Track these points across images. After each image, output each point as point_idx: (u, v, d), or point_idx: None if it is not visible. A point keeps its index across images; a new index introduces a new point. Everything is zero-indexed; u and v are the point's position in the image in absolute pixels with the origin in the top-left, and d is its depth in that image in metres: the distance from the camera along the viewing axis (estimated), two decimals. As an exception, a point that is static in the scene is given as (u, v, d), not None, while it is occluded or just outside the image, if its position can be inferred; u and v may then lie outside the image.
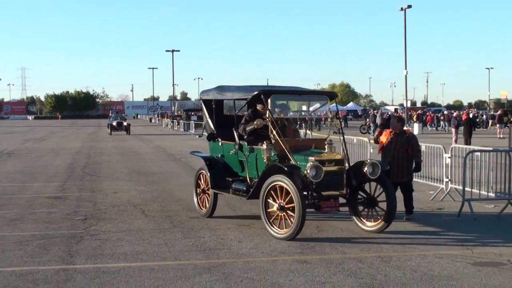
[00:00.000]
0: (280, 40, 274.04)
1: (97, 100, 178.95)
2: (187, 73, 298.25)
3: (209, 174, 11.74)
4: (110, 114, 71.03)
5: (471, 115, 51.92)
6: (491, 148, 14.43)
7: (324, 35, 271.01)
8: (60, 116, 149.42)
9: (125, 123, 54.52)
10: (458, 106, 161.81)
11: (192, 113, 76.55)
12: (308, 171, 9.77)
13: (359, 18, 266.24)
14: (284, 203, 9.80)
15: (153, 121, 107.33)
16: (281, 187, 9.82)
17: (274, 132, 10.48)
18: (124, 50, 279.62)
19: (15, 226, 11.28)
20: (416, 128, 50.33)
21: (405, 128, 12.55)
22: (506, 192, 12.42)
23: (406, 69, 54.99)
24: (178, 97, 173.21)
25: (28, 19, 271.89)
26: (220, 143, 12.12)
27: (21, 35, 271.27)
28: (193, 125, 59.64)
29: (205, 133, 13.48)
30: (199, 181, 12.42)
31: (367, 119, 58.54)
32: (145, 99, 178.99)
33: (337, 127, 11.50)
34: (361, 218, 10.76)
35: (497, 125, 48.53)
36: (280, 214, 9.92)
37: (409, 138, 11.77)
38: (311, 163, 9.87)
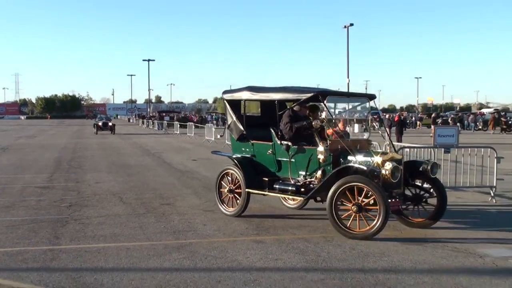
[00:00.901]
0: (243, 49, 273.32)
1: (82, 102, 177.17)
2: (161, 79, 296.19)
3: (242, 174, 10.34)
4: (95, 117, 69.79)
5: (402, 117, 52.41)
6: (419, 145, 14.64)
7: (279, 47, 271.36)
8: (49, 116, 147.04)
9: (110, 123, 51.54)
10: (392, 109, 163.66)
11: (165, 114, 76.09)
12: (388, 171, 8.79)
13: (312, 33, 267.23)
14: (363, 204, 8.69)
15: (131, 121, 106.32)
16: (360, 188, 8.68)
17: (328, 133, 9.70)
18: (107, 58, 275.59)
19: (7, 212, 11.06)
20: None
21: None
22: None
23: (348, 77, 55.69)
24: (153, 100, 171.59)
25: (23, 28, 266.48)
26: (250, 143, 10.63)
27: (15, 43, 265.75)
28: (166, 124, 59.44)
29: (227, 133, 12.99)
30: (222, 181, 10.98)
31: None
32: (124, 102, 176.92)
33: (375, 128, 10.55)
34: (405, 215, 9.72)
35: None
36: (356, 214, 8.74)
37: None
38: (391, 163, 8.85)
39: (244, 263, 7.44)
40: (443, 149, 13.10)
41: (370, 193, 8.57)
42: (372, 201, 8.57)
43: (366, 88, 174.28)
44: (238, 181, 10.49)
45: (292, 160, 9.83)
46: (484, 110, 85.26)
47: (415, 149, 13.56)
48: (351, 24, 55.08)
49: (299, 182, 9.75)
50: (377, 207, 8.48)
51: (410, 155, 13.39)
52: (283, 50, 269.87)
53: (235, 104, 11.15)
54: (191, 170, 18.89)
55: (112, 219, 10.38)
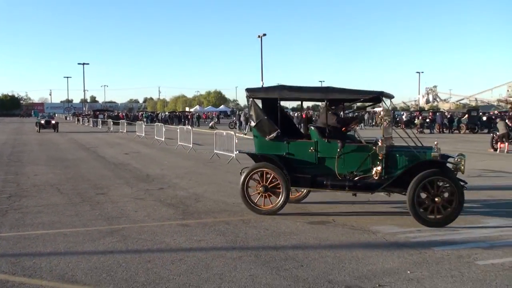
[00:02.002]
0: (168, 53, 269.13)
1: (21, 102, 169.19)
2: (95, 80, 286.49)
3: (282, 172, 9.26)
4: (29, 116, 66.19)
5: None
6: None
7: (203, 51, 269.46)
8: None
9: (53, 121, 45.51)
10: (298, 108, 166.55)
11: (99, 112, 73.87)
12: (463, 165, 8.75)
13: (231, 40, 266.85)
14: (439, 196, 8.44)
15: (68, 119, 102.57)
16: (439, 181, 8.40)
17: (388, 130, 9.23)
18: (44, 60, 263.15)
19: (-51, 204, 10.39)
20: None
21: None
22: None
23: (262, 80, 56.23)
24: (88, 100, 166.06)
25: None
26: (285, 142, 9.49)
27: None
28: (100, 122, 57.65)
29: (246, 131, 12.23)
30: (250, 180, 9.62)
31: (234, 118, 59.15)
32: (61, 101, 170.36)
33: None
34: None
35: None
36: (432, 205, 8.42)
37: None
38: (462, 157, 8.84)
39: (172, 244, 7.35)
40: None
41: (447, 185, 8.41)
42: (447, 194, 8.46)
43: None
44: (273, 179, 9.38)
45: (341, 156, 9.07)
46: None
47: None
48: (264, 34, 56.26)
49: (349, 177, 9.06)
50: (453, 197, 8.38)
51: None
52: (204, 55, 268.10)
53: (268, 103, 9.85)
54: (123, 163, 18.45)
55: (50, 208, 9.97)
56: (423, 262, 6.61)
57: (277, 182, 9.34)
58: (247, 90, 9.83)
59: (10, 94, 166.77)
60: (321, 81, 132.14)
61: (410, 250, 7.12)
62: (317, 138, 9.33)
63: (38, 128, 43.95)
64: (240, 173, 9.93)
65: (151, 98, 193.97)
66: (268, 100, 9.82)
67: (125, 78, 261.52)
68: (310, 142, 9.36)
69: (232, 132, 19.97)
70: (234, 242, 7.47)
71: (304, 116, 38.42)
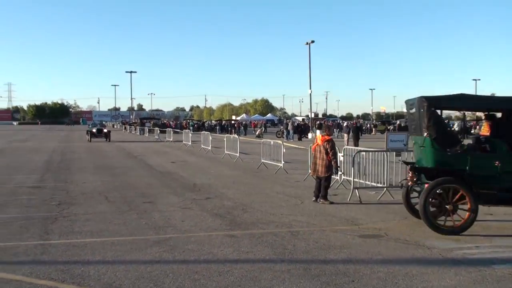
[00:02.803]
0: (216, 62, 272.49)
1: (70, 110, 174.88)
2: (142, 89, 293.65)
3: (469, 189, 8.66)
4: (72, 124, 67.57)
5: (358, 124, 52.86)
6: (373, 149, 14.76)
7: (250, 59, 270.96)
8: (39, 122, 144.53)
9: (105, 130, 44.40)
10: (349, 117, 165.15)
11: (146, 120, 75.28)
12: None
13: (278, 48, 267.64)
14: None
15: (115, 127, 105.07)
16: None
17: None
18: (93, 69, 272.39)
19: (0, 210, 10.80)
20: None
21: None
22: (384, 182, 12.73)
23: (310, 88, 56.05)
24: (135, 108, 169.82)
25: (13, 40, 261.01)
26: (467, 155, 8.89)
27: (8, 53, 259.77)
28: (147, 130, 58.86)
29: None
30: (434, 198, 8.91)
31: (282, 127, 59.14)
32: (109, 109, 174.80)
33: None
34: None
35: None
36: None
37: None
38: None
39: (219, 255, 7.39)
40: (394, 153, 13.23)
41: None
42: None
43: (326, 98, 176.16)
44: (458, 195, 8.75)
45: None
46: None
47: (370, 153, 13.67)
48: (312, 41, 55.12)
49: None
50: None
51: (366, 158, 13.50)
52: (253, 65, 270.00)
53: (435, 112, 9.13)
54: (170, 171, 18.73)
55: (98, 216, 10.22)
56: (483, 281, 6.40)
57: (460, 198, 8.74)
58: (426, 98, 9.04)
59: (59, 102, 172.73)
60: (371, 89, 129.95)
61: (468, 268, 6.90)
62: (502, 151, 8.85)
63: (89, 137, 42.66)
64: (400, 186, 9.55)
65: (198, 107, 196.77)
66: (441, 109, 9.26)
67: (171, 87, 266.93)
68: (495, 155, 8.88)
69: (280, 141, 19.97)
70: (282, 255, 7.43)
71: (353, 125, 38.00)
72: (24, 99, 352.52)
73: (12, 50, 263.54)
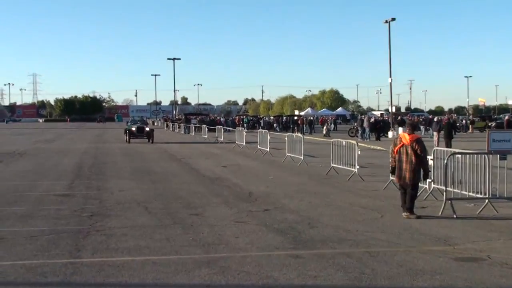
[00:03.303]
0: (273, 48, 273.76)
1: (103, 104, 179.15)
2: (187, 79, 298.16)
3: None
4: (102, 121, 68.56)
5: (451, 120, 51.68)
6: (471, 151, 14.38)
7: (315, 44, 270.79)
8: (68, 119, 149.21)
9: (147, 128, 43.36)
10: (439, 111, 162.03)
11: (194, 116, 76.32)
12: None
13: (348, 30, 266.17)
14: None
15: (155, 124, 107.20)
16: None
17: None
18: (129, 57, 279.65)
19: (25, 222, 11.19)
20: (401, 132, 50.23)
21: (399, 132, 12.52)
22: (485, 192, 12.37)
23: (390, 76, 55.20)
24: (179, 102, 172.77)
25: (39, 27, 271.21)
26: None
27: (33, 42, 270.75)
28: (193, 128, 59.58)
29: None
30: None
31: (355, 123, 58.67)
32: (148, 104, 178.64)
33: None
34: None
35: None
36: None
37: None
38: None
39: (281, 280, 7.37)
40: (498, 156, 12.83)
41: None
42: None
43: (410, 89, 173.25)
44: None
45: None
46: None
47: (467, 156, 13.29)
48: (393, 19, 53.76)
49: None
50: None
51: (461, 162, 13.13)
52: (316, 49, 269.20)
53: None
54: (220, 177, 18.91)
55: (136, 230, 10.42)
56: None
57: None
58: None
59: (91, 95, 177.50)
60: (467, 76, 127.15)
61: None
62: None
63: (127, 137, 41.82)
64: None
65: (253, 100, 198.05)
66: None
67: (222, 76, 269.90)
68: None
69: (354, 141, 19.77)
70: (358, 280, 7.34)
71: (445, 121, 37.22)
72: (51, 92, 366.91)
73: (36, 37, 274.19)
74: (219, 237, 9.86)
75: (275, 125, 71.11)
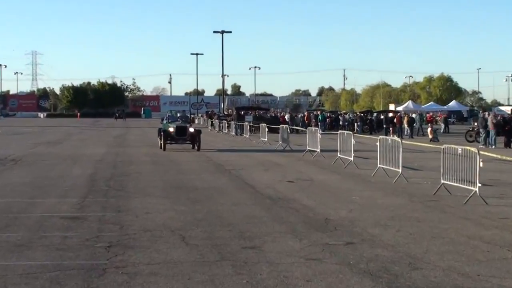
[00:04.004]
0: (354, 26, 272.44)
1: (126, 94, 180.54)
2: (240, 60, 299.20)
3: None
4: (121, 117, 67.74)
5: None
6: None
7: (416, 18, 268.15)
8: (79, 114, 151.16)
9: (191, 129, 40.80)
10: None
11: (249, 112, 76.13)
12: None
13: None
14: None
15: (196, 121, 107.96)
16: None
17: None
18: (159, 32, 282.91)
19: (21, 254, 11.38)
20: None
21: None
22: None
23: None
24: (229, 91, 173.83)
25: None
26: None
27: (33, 15, 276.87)
28: (247, 128, 58.86)
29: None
30: None
31: (475, 123, 57.76)
32: (186, 94, 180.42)
33: None
34: None
35: None
36: None
37: None
38: None
39: None
40: None
41: None
42: None
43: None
44: None
45: None
46: None
47: None
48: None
49: None
50: None
51: None
52: (423, 22, 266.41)
53: None
54: (285, 197, 18.88)
55: (170, 268, 10.48)
56: None
57: None
58: None
59: (109, 81, 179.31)
60: None
61: None
62: None
63: (162, 142, 39.92)
64: None
65: (331, 89, 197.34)
66: None
67: (287, 58, 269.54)
68: None
69: (473, 149, 19.39)
70: None
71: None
72: (56, 77, 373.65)
73: (37, 4, 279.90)
74: (284, 280, 9.83)
75: (356, 124, 70.31)
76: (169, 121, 42.47)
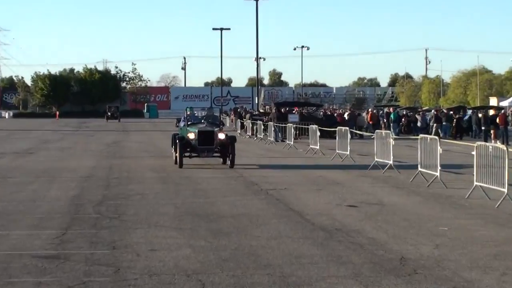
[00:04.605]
0: None
1: (123, 85, 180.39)
2: (282, 39, 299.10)
3: None
4: (113, 115, 66.00)
5: None
6: None
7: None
8: (58, 113, 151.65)
9: (221, 135, 38.26)
10: None
11: (293, 109, 75.87)
12: None
13: None
14: None
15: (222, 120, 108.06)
16: None
17: None
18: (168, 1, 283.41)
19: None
20: None
21: None
22: None
23: None
24: (266, 81, 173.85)
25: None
26: None
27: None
28: (292, 131, 58.05)
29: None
30: None
31: None
32: (206, 84, 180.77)
33: None
34: None
35: None
36: None
37: None
38: None
39: None
40: None
41: None
42: None
43: None
44: None
45: None
46: None
47: None
48: None
49: None
50: None
51: None
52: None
53: None
54: (345, 228, 18.82)
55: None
56: None
57: None
58: None
59: (99, 68, 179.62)
60: None
61: None
62: None
63: (177, 154, 37.80)
64: None
65: (407, 77, 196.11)
66: None
67: (347, 34, 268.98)
68: None
69: None
70: None
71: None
72: (27, 63, 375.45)
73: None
74: None
75: (433, 125, 69.23)
76: (189, 123, 40.43)
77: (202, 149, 37.59)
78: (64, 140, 65.92)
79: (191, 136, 37.62)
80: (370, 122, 72.90)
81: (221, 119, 49.15)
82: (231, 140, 38.33)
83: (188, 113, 42.12)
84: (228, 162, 37.96)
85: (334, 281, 13.21)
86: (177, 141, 37.75)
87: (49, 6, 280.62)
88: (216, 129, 38.99)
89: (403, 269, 14.20)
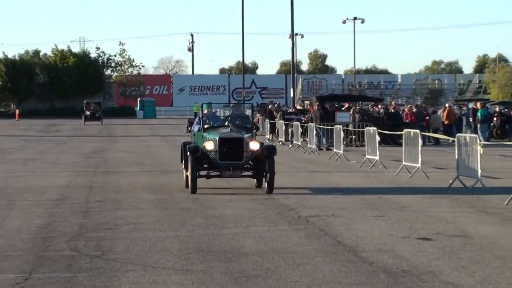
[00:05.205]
0: None
1: (108, 72, 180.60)
2: (326, 10, 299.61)
3: None
4: (93, 114, 65.91)
5: None
6: None
7: None
8: (17, 112, 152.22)
9: (255, 145, 35.82)
10: None
11: (344, 105, 76.01)
12: None
13: None
14: None
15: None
16: None
17: None
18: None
19: None
20: None
21: None
22: None
23: None
24: (304, 67, 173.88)
25: None
26: None
27: None
28: (341, 135, 57.78)
29: None
30: None
31: None
32: (222, 71, 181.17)
33: None
34: None
35: None
36: None
37: None
38: None
39: None
40: None
41: None
42: None
43: None
44: None
45: None
46: None
47: None
48: None
49: None
50: None
51: None
52: None
53: None
54: (416, 269, 18.81)
55: None
56: None
57: None
58: None
59: (75, 50, 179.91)
60: None
61: None
62: None
63: (190, 174, 34.90)
64: None
65: (502, 60, 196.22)
66: None
67: (413, 2, 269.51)
68: None
69: None
70: None
71: None
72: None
73: None
74: None
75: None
76: (207, 126, 37.59)
77: (225, 165, 34.76)
78: (27, 149, 66.22)
79: (209, 146, 34.99)
80: (446, 122, 72.58)
81: (254, 120, 47.28)
82: (268, 151, 35.44)
83: (205, 111, 39.65)
84: (265, 185, 35.04)
85: None
86: (189, 152, 34.59)
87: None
88: (246, 136, 36.06)
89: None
